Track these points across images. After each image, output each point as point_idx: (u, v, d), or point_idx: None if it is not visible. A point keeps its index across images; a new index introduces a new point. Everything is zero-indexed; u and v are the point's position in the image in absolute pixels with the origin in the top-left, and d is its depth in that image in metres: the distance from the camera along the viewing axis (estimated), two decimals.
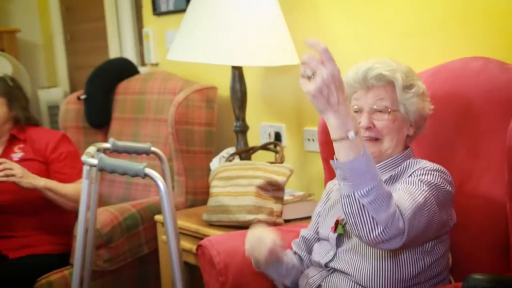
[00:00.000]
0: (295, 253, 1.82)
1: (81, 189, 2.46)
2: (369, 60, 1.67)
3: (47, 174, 2.55)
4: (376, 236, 1.35)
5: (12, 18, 4.24)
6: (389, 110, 1.62)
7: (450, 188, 1.56)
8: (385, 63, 1.65)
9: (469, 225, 1.65)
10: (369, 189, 1.33)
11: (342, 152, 1.34)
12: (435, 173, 1.55)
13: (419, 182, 1.51)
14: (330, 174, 1.98)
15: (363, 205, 1.34)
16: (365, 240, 1.38)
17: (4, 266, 2.44)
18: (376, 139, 1.64)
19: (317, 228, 1.79)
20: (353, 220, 1.37)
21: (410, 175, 1.57)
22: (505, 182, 1.54)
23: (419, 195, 1.47)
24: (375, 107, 1.63)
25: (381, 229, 1.35)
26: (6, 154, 2.57)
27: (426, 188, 1.49)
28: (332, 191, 1.81)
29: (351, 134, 1.32)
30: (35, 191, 2.43)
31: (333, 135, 1.35)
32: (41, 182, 2.44)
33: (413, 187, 1.49)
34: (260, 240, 1.66)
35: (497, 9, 1.86)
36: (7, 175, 2.36)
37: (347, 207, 1.36)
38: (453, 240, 1.64)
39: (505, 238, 1.59)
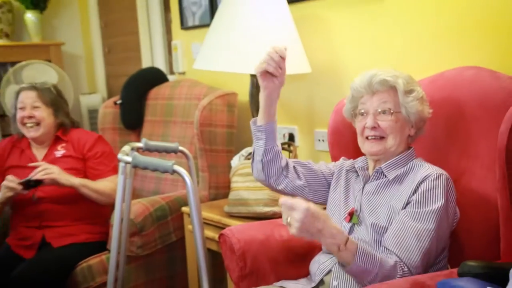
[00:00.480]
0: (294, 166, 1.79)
1: (111, 186, 2.53)
2: (373, 69, 1.66)
3: (84, 170, 2.59)
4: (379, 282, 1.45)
5: (58, 33, 4.27)
6: (392, 111, 1.61)
7: (451, 199, 1.55)
8: (388, 71, 1.65)
9: (464, 218, 1.63)
10: (373, 276, 1.44)
11: (343, 260, 1.44)
12: (438, 184, 1.53)
13: (426, 215, 1.51)
14: None
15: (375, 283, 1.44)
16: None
17: (48, 252, 2.45)
18: (381, 138, 1.63)
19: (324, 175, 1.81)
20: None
21: (415, 190, 1.54)
22: (496, 179, 1.52)
23: (426, 237, 1.49)
24: (379, 109, 1.62)
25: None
26: (51, 151, 2.62)
27: (433, 225, 1.50)
28: (343, 168, 1.79)
29: (342, 247, 1.42)
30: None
31: (329, 251, 1.50)
32: (76, 180, 2.49)
33: (421, 226, 1.50)
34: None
35: (489, 23, 1.84)
36: (47, 173, 2.42)
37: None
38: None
39: (496, 229, 1.57)
